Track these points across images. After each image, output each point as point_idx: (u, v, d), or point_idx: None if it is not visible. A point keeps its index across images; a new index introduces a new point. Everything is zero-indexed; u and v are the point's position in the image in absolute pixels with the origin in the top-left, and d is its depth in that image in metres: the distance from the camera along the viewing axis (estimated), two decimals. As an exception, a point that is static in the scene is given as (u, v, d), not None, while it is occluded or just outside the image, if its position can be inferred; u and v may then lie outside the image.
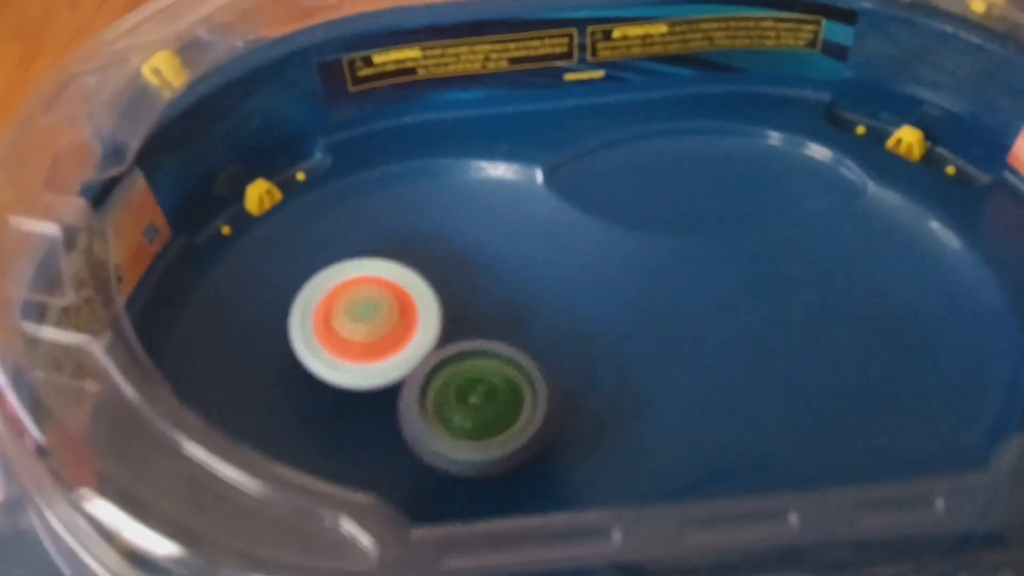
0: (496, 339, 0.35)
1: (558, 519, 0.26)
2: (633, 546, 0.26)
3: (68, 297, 0.30)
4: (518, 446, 0.32)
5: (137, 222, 0.38)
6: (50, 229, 0.32)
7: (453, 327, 0.37)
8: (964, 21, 0.40)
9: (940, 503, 0.26)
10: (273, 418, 0.35)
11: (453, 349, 0.34)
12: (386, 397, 0.35)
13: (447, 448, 0.32)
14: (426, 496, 0.33)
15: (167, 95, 0.36)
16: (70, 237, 0.31)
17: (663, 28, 0.42)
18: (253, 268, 0.39)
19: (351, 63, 0.41)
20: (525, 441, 0.32)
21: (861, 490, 0.26)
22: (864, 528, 0.26)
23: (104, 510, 0.27)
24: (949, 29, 0.40)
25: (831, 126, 0.42)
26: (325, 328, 0.35)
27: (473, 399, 0.33)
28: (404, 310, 0.35)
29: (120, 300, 0.36)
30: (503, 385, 0.33)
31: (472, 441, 0.32)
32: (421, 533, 0.26)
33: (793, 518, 0.26)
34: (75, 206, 0.32)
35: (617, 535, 0.26)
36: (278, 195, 0.41)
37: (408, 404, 0.33)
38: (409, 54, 0.42)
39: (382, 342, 0.34)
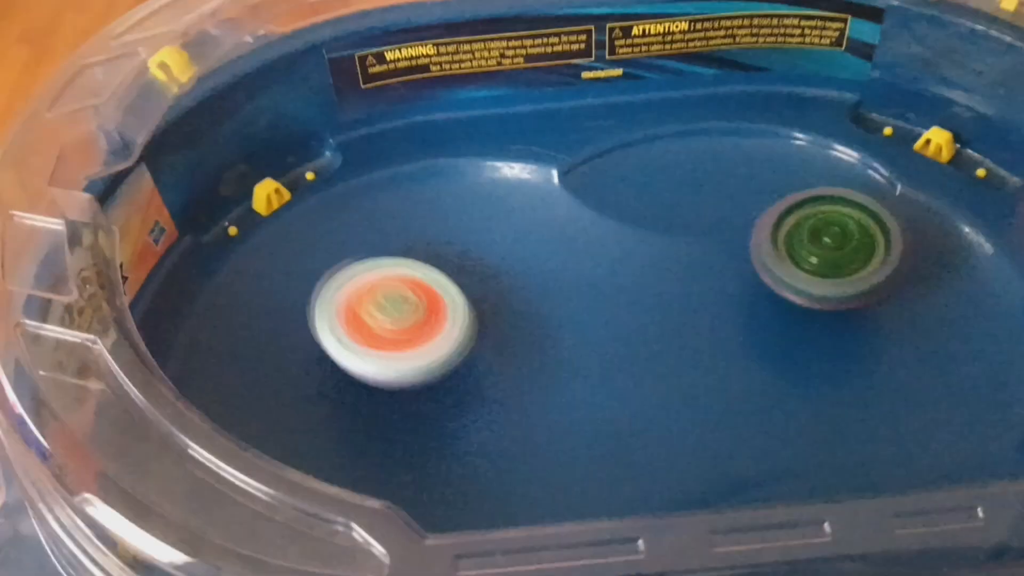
0: (512, 341, 0.34)
1: (579, 527, 0.25)
2: (658, 556, 0.24)
3: (72, 294, 0.30)
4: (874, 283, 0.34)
5: (143, 221, 0.37)
6: (55, 224, 0.31)
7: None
8: (994, 19, 0.39)
9: (980, 512, 0.25)
10: (281, 420, 0.34)
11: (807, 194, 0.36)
12: (393, 403, 0.34)
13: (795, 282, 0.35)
14: (441, 502, 0.32)
15: (174, 90, 0.35)
16: (75, 233, 0.31)
17: (684, 25, 0.41)
18: (260, 269, 0.39)
19: (363, 60, 0.41)
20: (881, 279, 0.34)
21: (898, 499, 0.25)
22: (901, 538, 0.25)
23: (107, 515, 0.26)
24: (978, 27, 0.39)
25: (857, 127, 0.42)
26: (351, 316, 0.35)
27: (826, 239, 0.35)
28: (432, 308, 0.35)
29: (125, 299, 0.35)
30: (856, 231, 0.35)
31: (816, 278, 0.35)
32: (435, 541, 0.25)
33: (827, 528, 0.25)
34: (80, 201, 0.32)
35: (642, 545, 0.25)
36: (286, 195, 0.41)
37: (760, 241, 0.35)
38: (422, 51, 0.41)
39: (407, 335, 0.34)
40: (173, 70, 0.35)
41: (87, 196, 0.32)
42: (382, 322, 0.34)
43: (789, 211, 0.36)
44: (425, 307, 0.34)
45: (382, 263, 0.36)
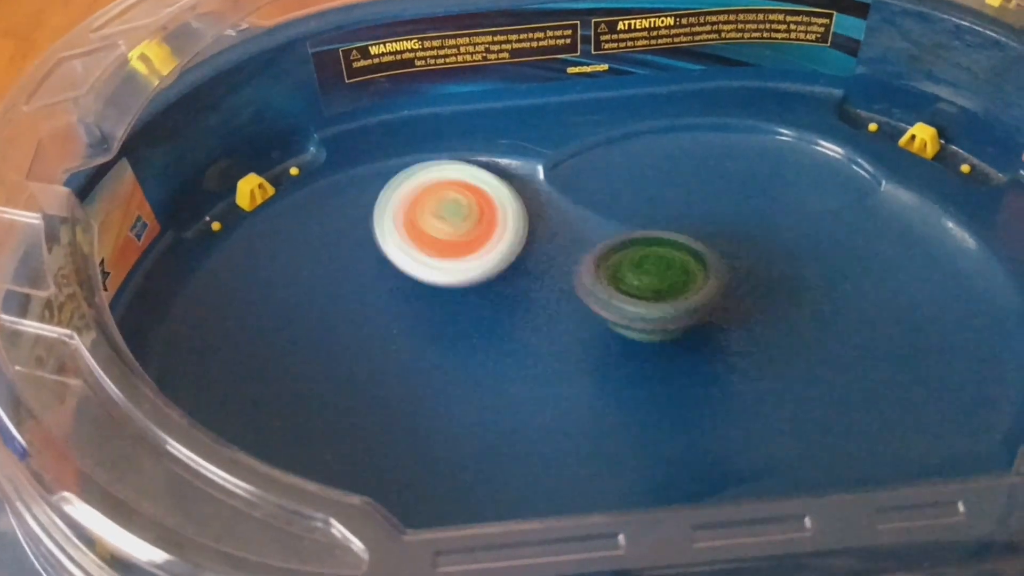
0: (497, 337, 0.34)
1: (559, 523, 0.25)
2: (639, 551, 0.24)
3: (50, 289, 0.29)
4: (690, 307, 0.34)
5: (124, 216, 0.37)
6: (33, 219, 0.30)
7: (450, 324, 0.37)
8: (979, 15, 0.39)
9: (962, 507, 0.25)
10: (262, 416, 0.34)
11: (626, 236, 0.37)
12: (374, 399, 0.34)
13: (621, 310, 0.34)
14: (422, 498, 0.32)
15: (154, 83, 0.35)
16: (52, 228, 0.30)
17: (669, 20, 0.41)
18: (244, 265, 0.38)
19: (347, 54, 0.41)
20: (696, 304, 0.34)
21: (879, 493, 0.25)
22: (883, 533, 0.25)
23: (86, 514, 0.26)
24: (964, 23, 0.39)
25: (842, 123, 0.42)
26: (410, 226, 0.37)
27: (648, 268, 0.35)
28: (486, 213, 0.37)
29: (105, 296, 0.35)
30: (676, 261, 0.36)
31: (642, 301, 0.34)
32: (414, 536, 0.25)
33: (808, 523, 0.25)
34: (59, 195, 0.31)
35: (622, 540, 0.24)
36: (270, 190, 0.40)
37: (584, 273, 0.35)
38: (407, 45, 0.41)
39: (467, 242, 0.36)
40: (154, 63, 0.35)
41: (65, 190, 0.31)
42: (439, 231, 0.36)
43: (607, 254, 0.36)
44: (479, 212, 0.37)
45: (433, 168, 0.39)
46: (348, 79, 0.41)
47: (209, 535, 0.25)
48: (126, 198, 0.37)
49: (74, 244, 0.31)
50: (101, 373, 0.28)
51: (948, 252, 0.38)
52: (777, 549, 0.25)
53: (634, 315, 0.34)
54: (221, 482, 0.26)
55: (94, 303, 0.30)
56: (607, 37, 0.41)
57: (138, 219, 0.37)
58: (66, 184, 0.32)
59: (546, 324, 0.37)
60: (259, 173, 0.40)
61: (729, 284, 0.35)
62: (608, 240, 0.36)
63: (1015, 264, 0.37)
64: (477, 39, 0.41)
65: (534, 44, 0.41)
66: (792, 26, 0.42)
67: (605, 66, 0.42)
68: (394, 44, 0.41)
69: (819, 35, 0.42)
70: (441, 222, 0.37)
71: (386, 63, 0.41)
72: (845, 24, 0.41)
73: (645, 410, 0.34)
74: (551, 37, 0.41)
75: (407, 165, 0.41)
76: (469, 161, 0.40)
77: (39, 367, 0.28)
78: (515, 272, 0.37)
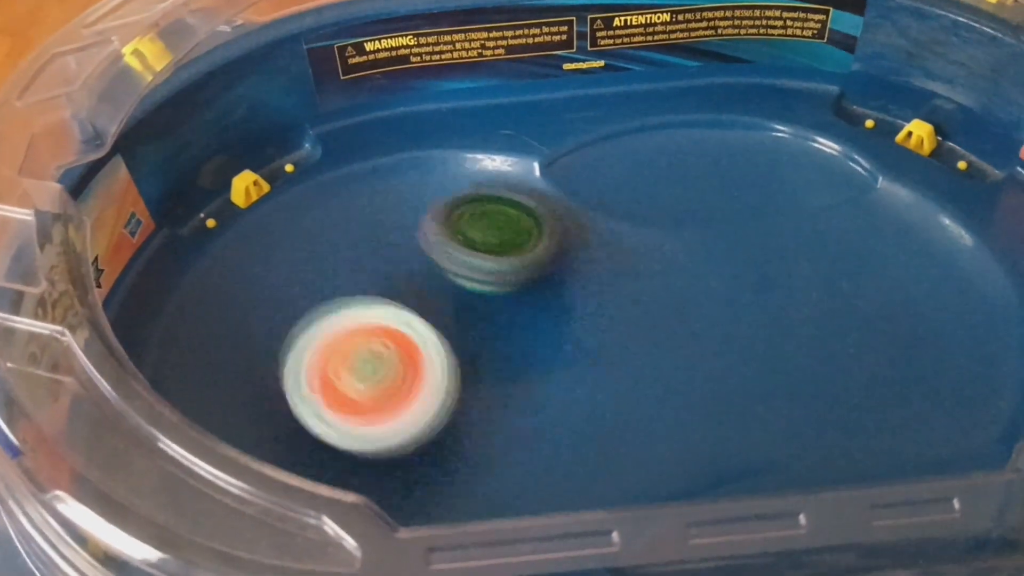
0: (492, 332, 0.33)
1: (553, 520, 0.25)
2: (633, 549, 0.24)
3: (41, 285, 0.29)
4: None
5: (119, 213, 0.37)
6: (25, 215, 0.30)
7: (440, 321, 0.36)
8: (976, 11, 0.39)
9: (957, 504, 0.25)
10: (256, 415, 0.34)
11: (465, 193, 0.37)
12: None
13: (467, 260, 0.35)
14: (416, 495, 0.32)
15: (148, 79, 0.35)
16: (45, 225, 0.30)
17: (666, 17, 0.41)
18: (239, 262, 0.38)
19: (342, 50, 0.40)
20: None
21: (874, 490, 0.25)
22: (878, 530, 0.24)
23: (78, 512, 0.26)
24: (961, 19, 0.39)
25: (839, 119, 0.42)
26: (324, 385, 0.32)
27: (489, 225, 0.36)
28: (409, 362, 0.32)
29: (99, 294, 0.35)
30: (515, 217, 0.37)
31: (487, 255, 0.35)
32: (407, 534, 0.25)
33: (803, 520, 0.24)
34: (51, 192, 0.31)
35: (616, 537, 0.24)
36: (265, 187, 0.40)
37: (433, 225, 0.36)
38: (402, 41, 0.41)
39: (388, 399, 0.32)
40: (148, 59, 0.35)
41: (58, 187, 0.31)
42: (359, 392, 0.31)
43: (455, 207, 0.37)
44: (402, 366, 0.32)
45: (346, 314, 0.33)
46: (343, 75, 0.41)
47: (202, 533, 0.25)
48: (120, 195, 0.37)
49: (67, 241, 0.31)
50: (93, 371, 0.28)
51: (945, 248, 0.38)
52: (772, 546, 0.24)
53: (474, 266, 0.35)
54: (214, 480, 0.26)
55: (87, 301, 0.30)
56: (603, 33, 0.41)
57: (132, 216, 0.37)
58: (60, 181, 0.32)
59: (538, 322, 0.36)
60: (254, 170, 0.40)
61: (562, 241, 0.37)
62: (448, 197, 0.37)
63: (1012, 260, 0.37)
64: (473, 35, 0.41)
65: (530, 40, 0.41)
66: (789, 22, 0.42)
67: (601, 62, 0.42)
68: (389, 40, 0.41)
69: (816, 31, 0.42)
70: (358, 380, 0.31)
71: (381, 59, 0.41)
72: (842, 20, 0.41)
73: (639, 408, 0.34)
74: (547, 33, 0.41)
75: (403, 161, 0.40)
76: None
77: (32, 364, 0.28)
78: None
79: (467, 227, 0.36)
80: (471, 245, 0.36)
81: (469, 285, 0.36)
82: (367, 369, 0.32)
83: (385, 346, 0.32)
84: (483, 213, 0.37)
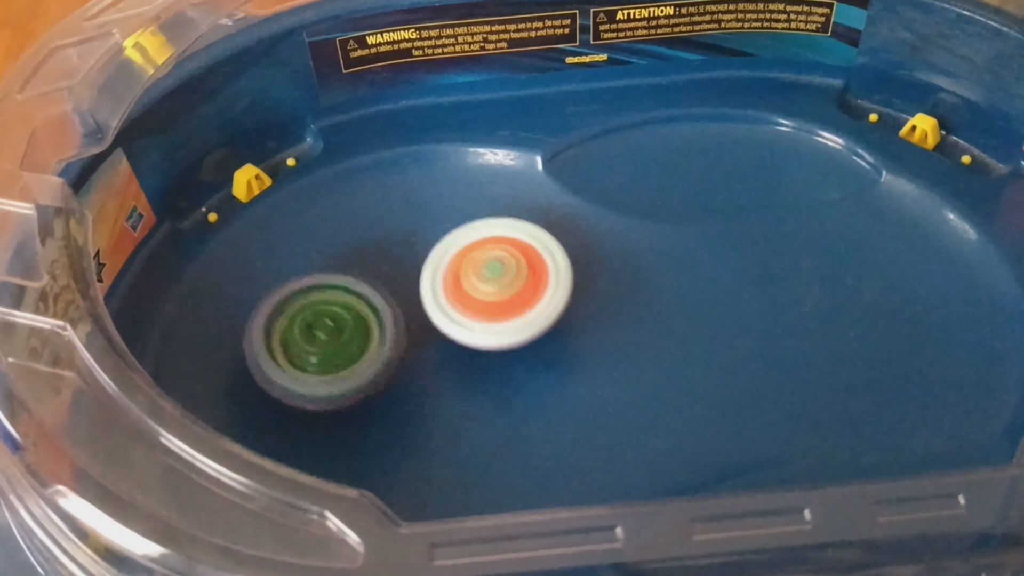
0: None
1: (556, 515, 0.25)
2: (637, 544, 0.24)
3: (44, 280, 0.29)
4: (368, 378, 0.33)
5: (120, 207, 0.36)
6: (26, 209, 0.30)
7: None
8: (981, 4, 0.39)
9: (962, 500, 0.25)
10: (258, 409, 0.34)
11: (292, 286, 0.34)
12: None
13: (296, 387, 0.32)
14: (420, 491, 0.31)
15: (149, 72, 0.34)
16: (46, 218, 0.30)
17: (669, 10, 0.41)
18: (240, 257, 0.38)
19: (344, 44, 0.40)
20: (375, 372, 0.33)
21: (879, 486, 0.25)
22: (883, 526, 0.24)
23: (80, 507, 0.26)
24: (965, 12, 0.39)
25: (843, 113, 0.41)
26: (455, 288, 0.35)
27: (320, 334, 0.33)
28: (533, 268, 0.35)
29: (101, 288, 0.35)
30: (349, 318, 0.34)
31: (320, 377, 0.33)
32: (411, 529, 0.25)
33: (807, 515, 0.24)
34: (52, 186, 0.31)
35: (620, 532, 0.24)
36: (267, 181, 0.40)
37: (252, 341, 0.33)
38: (405, 35, 0.40)
39: (512, 301, 0.34)
40: (149, 52, 0.35)
41: (59, 181, 0.31)
42: (484, 293, 0.34)
43: (278, 310, 0.34)
44: (527, 269, 0.35)
45: (476, 227, 0.36)
46: (345, 69, 0.41)
47: (204, 528, 0.25)
48: (121, 189, 0.36)
49: (68, 235, 0.31)
50: (95, 365, 0.28)
51: (949, 243, 0.38)
52: (776, 542, 0.24)
53: (295, 394, 0.32)
54: (216, 475, 0.26)
55: (88, 295, 0.30)
56: (606, 27, 0.41)
57: (134, 210, 0.37)
58: (61, 174, 0.32)
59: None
60: (256, 164, 0.40)
61: (401, 343, 0.34)
62: (272, 295, 0.34)
63: (1016, 255, 0.37)
64: (475, 28, 0.41)
65: (533, 34, 0.41)
66: (792, 16, 0.41)
67: (604, 56, 0.42)
68: (391, 34, 0.40)
69: (820, 25, 0.42)
70: (484, 283, 0.34)
71: (384, 53, 0.41)
72: (846, 13, 0.41)
73: (642, 403, 0.34)
74: (550, 27, 0.41)
75: (405, 155, 0.40)
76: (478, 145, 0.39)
77: (34, 359, 0.28)
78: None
79: (290, 337, 0.33)
80: (294, 361, 0.33)
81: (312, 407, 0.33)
82: (493, 272, 0.34)
83: (509, 252, 0.35)
84: (311, 314, 0.34)
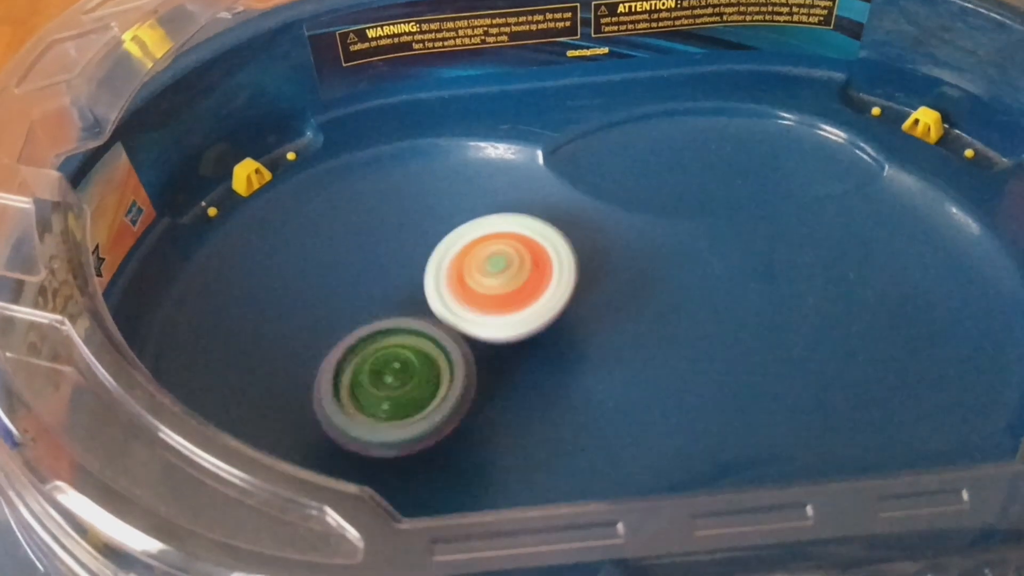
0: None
1: (557, 510, 0.25)
2: (638, 540, 0.24)
3: (40, 274, 0.29)
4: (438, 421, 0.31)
5: (119, 201, 0.36)
6: (24, 203, 0.30)
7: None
8: (984, -3, 0.39)
9: (966, 495, 0.25)
10: (258, 404, 0.34)
11: (363, 331, 0.33)
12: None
13: (365, 432, 0.31)
14: (420, 486, 0.31)
15: (148, 66, 0.34)
16: (44, 213, 0.30)
17: (671, 3, 0.41)
18: (240, 251, 0.38)
19: (344, 37, 0.40)
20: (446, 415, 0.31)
21: (882, 481, 0.25)
22: (885, 522, 0.24)
23: (79, 503, 0.26)
24: (969, 5, 0.39)
25: (845, 107, 0.41)
26: (459, 284, 0.35)
27: (388, 379, 0.32)
28: (537, 262, 0.35)
29: (100, 283, 0.34)
30: (418, 361, 0.33)
31: (390, 422, 0.31)
32: (410, 524, 0.24)
33: (810, 510, 0.24)
34: (50, 180, 0.31)
35: (621, 528, 0.24)
36: (267, 175, 0.40)
37: (322, 393, 0.32)
38: (405, 28, 0.40)
39: (515, 294, 0.34)
40: (148, 46, 0.35)
41: (57, 175, 0.31)
42: (487, 287, 0.34)
43: (345, 358, 0.33)
44: (531, 262, 0.35)
45: (480, 224, 0.36)
46: (345, 63, 0.41)
47: (203, 523, 0.25)
48: (121, 183, 0.36)
49: (66, 230, 0.30)
50: (94, 360, 0.28)
51: (951, 237, 0.37)
52: (779, 537, 0.24)
53: (370, 443, 0.31)
54: (215, 470, 0.26)
55: (87, 290, 0.29)
56: (607, 20, 0.41)
57: (133, 204, 0.37)
58: (59, 169, 0.32)
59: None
60: (255, 158, 0.40)
61: (472, 376, 0.32)
62: (342, 342, 0.33)
63: (1019, 249, 0.37)
64: (476, 22, 0.40)
65: (533, 27, 0.41)
66: (795, 9, 0.41)
67: (605, 49, 0.42)
68: (391, 27, 0.40)
69: (822, 18, 0.41)
70: (487, 277, 0.34)
71: (384, 46, 0.41)
72: (848, 7, 0.41)
73: (643, 398, 0.34)
74: (551, 20, 0.41)
75: (405, 150, 0.40)
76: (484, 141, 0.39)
77: (33, 354, 0.28)
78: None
79: (359, 386, 0.32)
80: (365, 409, 0.32)
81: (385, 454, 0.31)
82: (495, 266, 0.34)
83: (512, 247, 0.35)
84: (380, 360, 0.33)
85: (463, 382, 0.32)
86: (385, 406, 0.32)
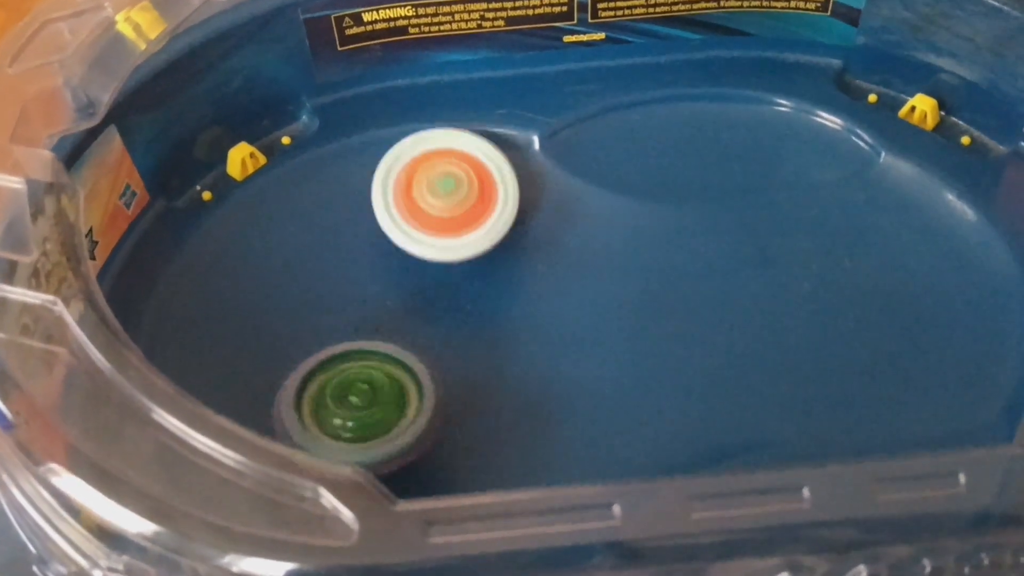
0: (491, 310, 0.33)
1: (553, 493, 0.25)
2: (634, 522, 0.24)
3: (33, 255, 0.29)
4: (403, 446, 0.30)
5: (113, 184, 0.36)
6: (16, 183, 0.30)
7: (443, 296, 0.36)
8: (982, -17, 0.39)
9: (963, 478, 0.25)
10: (252, 387, 0.33)
11: (329, 352, 0.32)
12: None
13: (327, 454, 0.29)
14: (413, 470, 0.31)
15: (142, 47, 0.34)
16: (36, 193, 0.30)
17: (668, -12, 0.40)
18: (234, 235, 0.38)
19: (339, 20, 0.40)
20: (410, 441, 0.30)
21: (878, 464, 0.25)
22: (882, 504, 0.24)
23: (72, 485, 0.26)
24: (966, -9, 0.39)
25: (842, 93, 0.41)
26: (406, 199, 0.36)
27: (353, 399, 0.31)
28: (483, 185, 0.37)
29: (94, 266, 0.34)
30: (385, 384, 0.31)
31: (352, 445, 0.30)
32: (405, 506, 0.24)
33: (806, 493, 0.24)
34: (43, 160, 0.31)
35: (617, 510, 0.24)
36: (262, 159, 0.40)
37: (283, 410, 0.31)
38: (401, 12, 0.40)
39: (462, 217, 0.36)
40: (141, 27, 0.34)
41: (50, 155, 0.31)
42: (434, 207, 0.36)
43: (309, 377, 0.32)
44: (478, 186, 0.36)
45: (429, 136, 0.38)
46: (341, 46, 0.40)
47: (197, 505, 0.25)
48: (114, 166, 0.36)
49: (59, 212, 0.30)
50: (87, 342, 0.28)
51: (948, 224, 0.37)
52: (775, 520, 0.24)
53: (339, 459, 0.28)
54: (209, 452, 0.26)
55: (80, 272, 0.29)
56: (604, 5, 0.41)
57: (127, 188, 0.37)
58: (53, 151, 0.32)
59: (540, 297, 0.36)
60: (250, 142, 0.40)
61: (440, 405, 0.31)
62: (309, 359, 0.32)
63: (1014, 235, 0.37)
64: (472, 6, 0.40)
65: (530, 12, 0.41)
66: (792, -6, 0.41)
67: (602, 35, 0.41)
68: (387, 11, 0.40)
69: (819, 4, 0.41)
70: (435, 198, 0.36)
71: (379, 30, 0.40)
72: (846, -7, 0.41)
73: (639, 383, 0.34)
74: (547, 4, 0.40)
75: (401, 134, 0.40)
76: (467, 129, 0.39)
77: (25, 336, 0.28)
78: (509, 244, 0.37)
79: (323, 405, 0.31)
80: (328, 430, 0.31)
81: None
82: (444, 187, 0.36)
83: (461, 168, 0.36)
84: (344, 381, 0.31)
85: (431, 411, 0.31)
86: (350, 424, 0.31)
